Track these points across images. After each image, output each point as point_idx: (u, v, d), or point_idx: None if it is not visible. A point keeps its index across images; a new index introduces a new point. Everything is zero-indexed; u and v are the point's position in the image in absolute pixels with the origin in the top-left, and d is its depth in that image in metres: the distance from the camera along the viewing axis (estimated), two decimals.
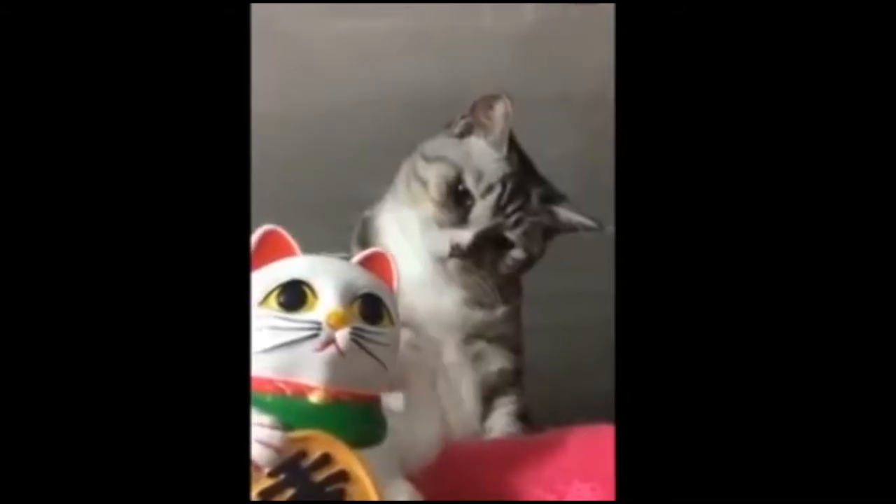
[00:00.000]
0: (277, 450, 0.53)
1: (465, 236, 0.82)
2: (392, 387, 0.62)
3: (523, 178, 0.86)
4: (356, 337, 0.56)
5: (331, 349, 0.56)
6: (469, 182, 0.84)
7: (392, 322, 0.59)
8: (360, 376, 0.57)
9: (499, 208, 0.84)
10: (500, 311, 0.87)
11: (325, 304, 0.56)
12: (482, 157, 0.86)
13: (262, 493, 0.52)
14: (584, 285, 0.86)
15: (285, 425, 0.54)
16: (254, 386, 0.55)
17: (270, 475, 0.53)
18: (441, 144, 0.87)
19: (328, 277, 0.58)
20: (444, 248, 0.83)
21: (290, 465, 0.53)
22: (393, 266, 0.63)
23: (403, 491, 0.57)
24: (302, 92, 0.97)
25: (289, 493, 0.53)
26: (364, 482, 0.54)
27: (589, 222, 0.86)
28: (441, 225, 0.83)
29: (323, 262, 0.60)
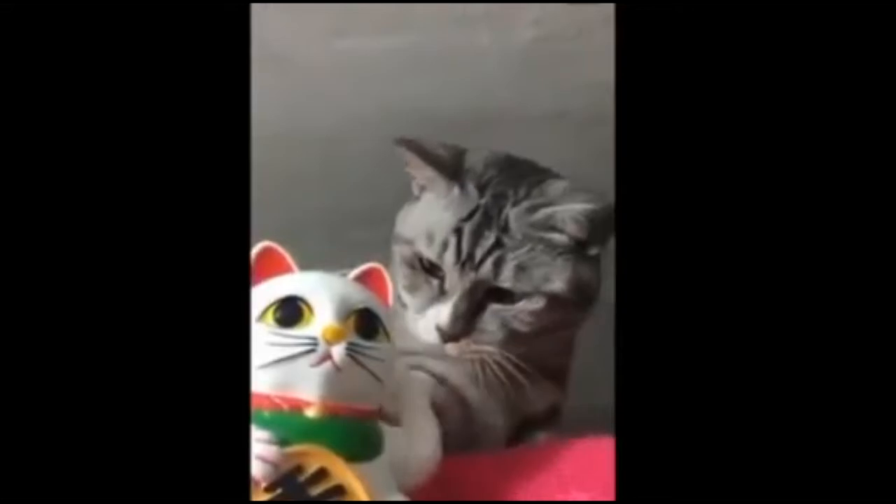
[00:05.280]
0: (274, 464, 0.54)
1: (442, 313, 0.72)
2: (391, 403, 0.63)
3: (487, 208, 0.73)
4: (352, 352, 0.58)
5: (327, 364, 0.57)
6: (425, 251, 0.74)
7: (387, 337, 0.61)
8: (356, 391, 0.59)
9: (464, 262, 0.72)
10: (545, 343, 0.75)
11: (321, 319, 0.58)
12: (430, 213, 0.75)
13: None
14: None
15: (282, 440, 0.55)
16: (251, 402, 0.56)
17: (267, 490, 0.54)
18: (399, 219, 0.79)
19: (324, 293, 0.59)
20: (433, 336, 0.73)
21: (287, 480, 0.55)
22: (388, 281, 0.64)
23: None
24: (301, 111, 0.98)
25: None
26: (360, 497, 0.55)
27: (589, 205, 0.72)
28: (420, 311, 0.74)
29: (319, 278, 0.61)
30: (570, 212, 0.72)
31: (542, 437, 0.77)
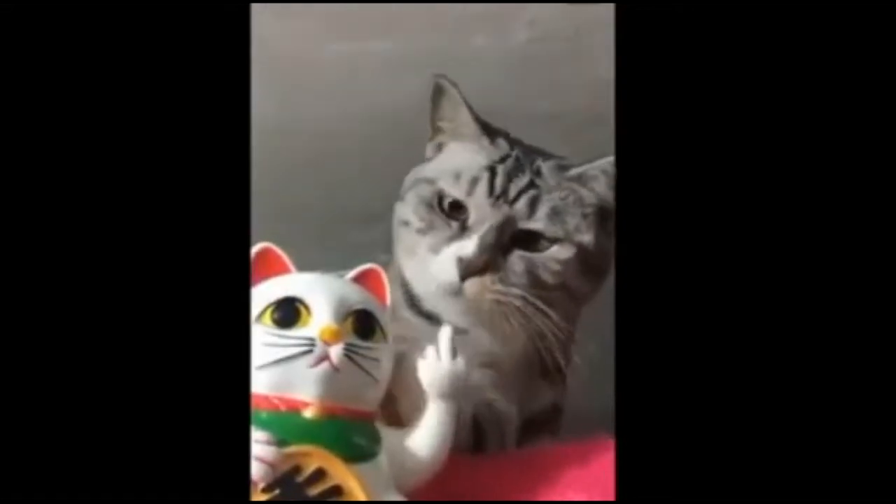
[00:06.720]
0: (272, 465, 0.54)
1: (466, 246, 0.69)
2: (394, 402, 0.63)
3: (522, 155, 0.73)
4: (349, 352, 0.58)
5: (324, 365, 0.57)
6: (450, 189, 0.72)
7: (385, 337, 0.61)
8: (354, 391, 0.59)
9: (497, 196, 0.70)
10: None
11: (319, 320, 0.58)
12: (458, 156, 0.75)
13: None
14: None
15: (280, 441, 0.55)
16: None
17: (265, 490, 0.54)
18: (413, 174, 0.78)
19: (321, 294, 0.59)
20: (451, 271, 0.69)
21: (285, 481, 0.55)
22: (385, 281, 0.64)
23: None
24: (298, 113, 0.99)
25: None
26: (358, 497, 0.56)
27: (605, 160, 0.71)
28: (435, 249, 0.71)
29: (316, 278, 0.62)
30: (601, 165, 0.72)
31: (543, 438, 0.76)
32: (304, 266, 0.63)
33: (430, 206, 0.73)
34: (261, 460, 0.54)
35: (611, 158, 0.72)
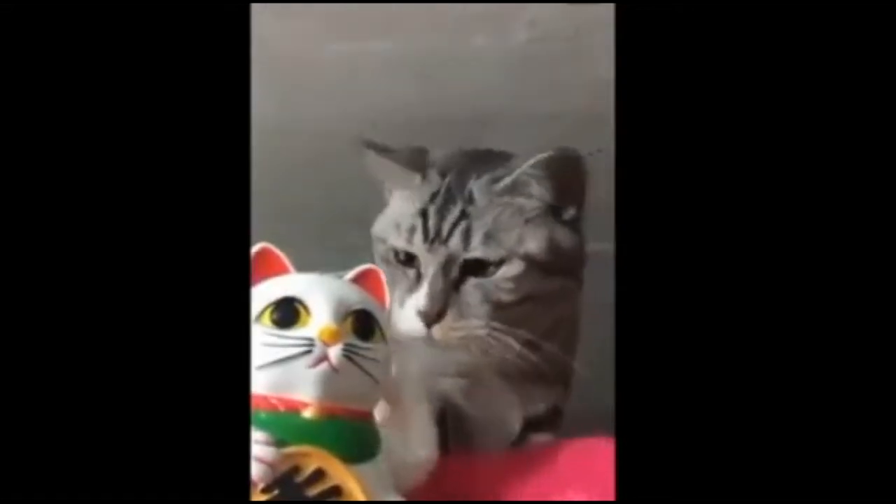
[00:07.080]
0: (272, 465, 0.54)
1: (419, 297, 0.72)
2: (387, 403, 0.63)
3: (451, 186, 0.74)
4: (348, 353, 0.58)
5: (324, 365, 0.57)
6: (395, 241, 0.74)
7: (384, 338, 0.61)
8: (353, 392, 0.59)
9: (432, 240, 0.72)
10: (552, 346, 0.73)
11: (318, 320, 0.58)
12: (397, 207, 0.77)
13: None
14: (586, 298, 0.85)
15: (279, 441, 0.55)
16: None
17: (265, 491, 0.54)
18: (372, 229, 0.79)
19: (321, 294, 0.60)
20: (417, 323, 0.72)
21: (284, 481, 0.55)
22: (384, 282, 0.65)
23: None
24: (298, 113, 0.99)
25: None
26: (357, 497, 0.56)
27: (543, 155, 0.71)
28: (401, 303, 0.73)
29: (315, 279, 0.62)
30: (527, 171, 0.72)
31: (542, 437, 0.77)
32: (303, 266, 0.63)
33: (387, 261, 0.75)
34: (260, 461, 0.54)
35: (532, 160, 0.72)
